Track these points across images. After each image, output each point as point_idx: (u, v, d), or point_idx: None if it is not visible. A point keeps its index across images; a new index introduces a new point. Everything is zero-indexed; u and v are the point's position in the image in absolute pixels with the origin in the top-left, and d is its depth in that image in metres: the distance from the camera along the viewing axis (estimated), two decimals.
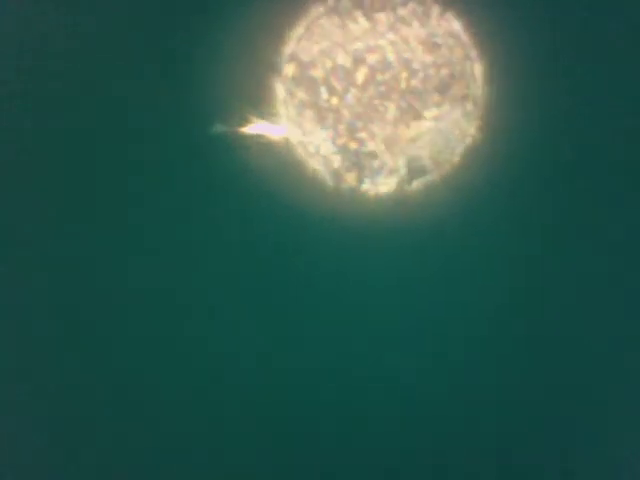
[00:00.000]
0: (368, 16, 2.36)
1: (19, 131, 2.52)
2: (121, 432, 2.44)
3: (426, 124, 2.38)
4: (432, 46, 2.36)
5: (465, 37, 2.40)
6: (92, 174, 2.51)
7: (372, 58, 2.34)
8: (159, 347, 2.46)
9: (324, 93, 2.36)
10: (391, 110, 2.36)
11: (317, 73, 2.35)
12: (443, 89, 2.38)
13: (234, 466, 2.44)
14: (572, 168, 2.39)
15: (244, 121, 2.44)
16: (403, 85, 2.34)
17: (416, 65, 2.34)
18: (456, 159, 2.40)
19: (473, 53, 2.40)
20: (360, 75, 2.35)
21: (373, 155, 2.37)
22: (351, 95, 2.35)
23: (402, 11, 2.36)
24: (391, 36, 2.35)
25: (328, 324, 2.44)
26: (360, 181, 2.39)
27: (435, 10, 2.36)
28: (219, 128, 2.45)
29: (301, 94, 2.37)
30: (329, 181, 2.42)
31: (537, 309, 2.40)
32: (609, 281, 2.38)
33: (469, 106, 2.40)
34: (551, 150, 2.37)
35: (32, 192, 2.50)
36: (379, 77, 2.35)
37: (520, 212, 2.40)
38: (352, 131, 2.36)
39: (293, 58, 2.39)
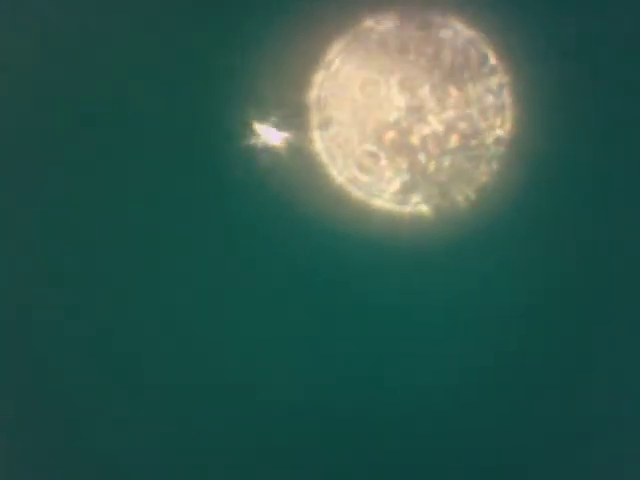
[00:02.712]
0: (459, 86, 2.57)
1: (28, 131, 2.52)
2: (120, 433, 2.47)
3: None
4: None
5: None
6: (103, 176, 2.51)
7: (462, 125, 2.57)
8: (171, 351, 2.49)
9: (422, 158, 2.58)
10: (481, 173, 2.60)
11: (414, 139, 2.57)
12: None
13: (235, 466, 2.50)
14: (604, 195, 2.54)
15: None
16: (491, 151, 2.58)
17: (501, 132, 2.59)
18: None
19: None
20: (453, 141, 2.59)
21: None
22: (445, 160, 2.58)
23: (491, 81, 2.58)
24: (480, 104, 2.57)
25: (343, 336, 2.51)
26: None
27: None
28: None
29: (399, 159, 2.59)
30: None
31: (559, 331, 2.53)
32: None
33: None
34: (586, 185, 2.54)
35: (39, 195, 2.50)
36: (470, 143, 2.59)
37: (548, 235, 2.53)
38: (445, 193, 2.60)
39: (392, 126, 2.58)
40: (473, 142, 2.56)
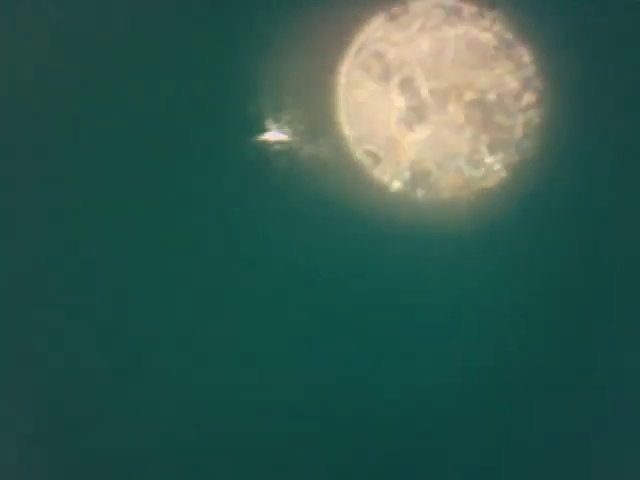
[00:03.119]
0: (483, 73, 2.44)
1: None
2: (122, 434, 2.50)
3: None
4: None
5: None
6: (129, 178, 2.51)
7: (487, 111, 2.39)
8: (190, 352, 2.51)
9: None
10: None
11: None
12: None
13: (236, 466, 2.51)
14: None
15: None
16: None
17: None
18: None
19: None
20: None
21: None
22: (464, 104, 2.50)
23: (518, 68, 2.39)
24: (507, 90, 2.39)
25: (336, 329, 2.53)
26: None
27: None
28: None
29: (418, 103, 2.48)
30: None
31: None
32: None
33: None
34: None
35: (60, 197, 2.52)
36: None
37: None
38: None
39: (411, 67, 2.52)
40: (498, 128, 2.54)
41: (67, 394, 2.49)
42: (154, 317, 2.51)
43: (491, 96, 2.50)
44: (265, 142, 2.50)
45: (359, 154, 2.52)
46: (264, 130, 2.51)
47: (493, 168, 2.50)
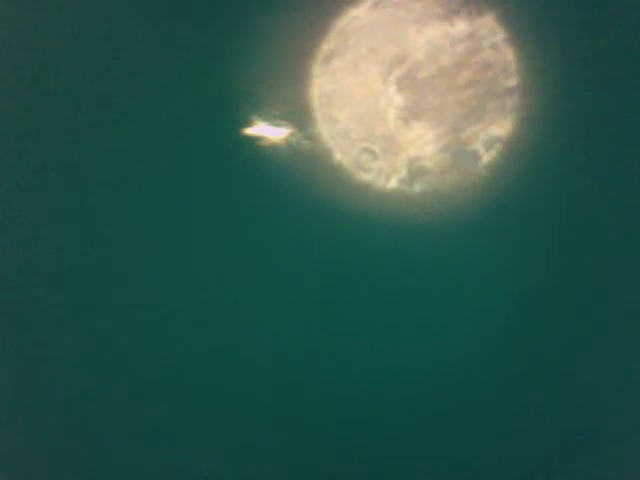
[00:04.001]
0: (469, 21, 2.45)
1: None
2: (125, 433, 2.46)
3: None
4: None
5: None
6: (116, 176, 2.49)
7: (475, 60, 2.44)
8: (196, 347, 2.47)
9: (429, 94, 2.44)
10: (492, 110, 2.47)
11: (423, 74, 2.44)
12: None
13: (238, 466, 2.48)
14: None
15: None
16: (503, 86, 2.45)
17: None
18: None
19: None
20: (463, 76, 2.45)
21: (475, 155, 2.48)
22: (453, 96, 2.45)
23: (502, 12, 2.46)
24: (493, 39, 2.45)
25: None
26: (460, 178, 2.48)
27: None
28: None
29: (409, 96, 2.45)
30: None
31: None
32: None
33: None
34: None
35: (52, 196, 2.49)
36: (481, 78, 2.45)
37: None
38: (455, 131, 2.45)
39: (401, 60, 2.46)
40: (494, 122, 2.48)
41: (67, 394, 2.49)
42: (152, 315, 2.51)
43: (485, 89, 2.56)
44: (259, 139, 2.50)
45: (355, 151, 2.59)
46: (258, 127, 2.50)
47: (489, 162, 2.52)
